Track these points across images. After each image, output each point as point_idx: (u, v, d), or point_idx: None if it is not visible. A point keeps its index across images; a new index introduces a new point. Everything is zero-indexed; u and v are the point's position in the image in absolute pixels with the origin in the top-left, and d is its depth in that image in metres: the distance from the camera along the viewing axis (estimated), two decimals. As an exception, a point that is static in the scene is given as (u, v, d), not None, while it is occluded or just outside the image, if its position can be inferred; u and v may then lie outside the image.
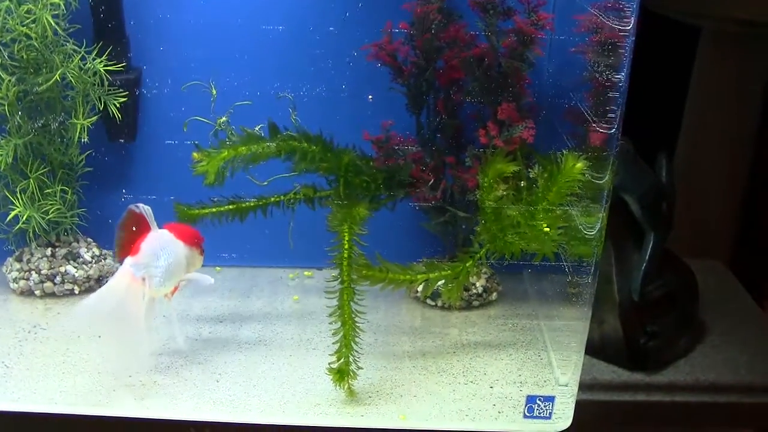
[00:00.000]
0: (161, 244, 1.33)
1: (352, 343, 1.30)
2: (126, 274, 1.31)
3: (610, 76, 1.16)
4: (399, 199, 1.50)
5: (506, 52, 1.43)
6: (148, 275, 1.32)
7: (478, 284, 1.61)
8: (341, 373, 1.30)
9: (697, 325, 1.61)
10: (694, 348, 1.55)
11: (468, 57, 1.45)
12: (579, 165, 1.27)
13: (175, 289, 1.37)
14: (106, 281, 1.62)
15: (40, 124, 1.50)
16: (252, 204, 1.47)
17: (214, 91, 1.45)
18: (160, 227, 1.35)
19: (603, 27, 1.19)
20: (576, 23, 1.32)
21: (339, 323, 1.30)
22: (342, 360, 1.30)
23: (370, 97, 1.49)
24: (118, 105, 1.50)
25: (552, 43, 1.46)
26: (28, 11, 1.39)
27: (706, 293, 1.65)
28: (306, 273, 1.74)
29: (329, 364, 1.30)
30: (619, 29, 1.14)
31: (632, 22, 1.13)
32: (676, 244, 1.59)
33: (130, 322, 1.31)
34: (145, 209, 1.31)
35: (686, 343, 1.54)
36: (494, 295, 1.64)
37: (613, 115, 1.17)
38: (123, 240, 1.32)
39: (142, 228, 1.33)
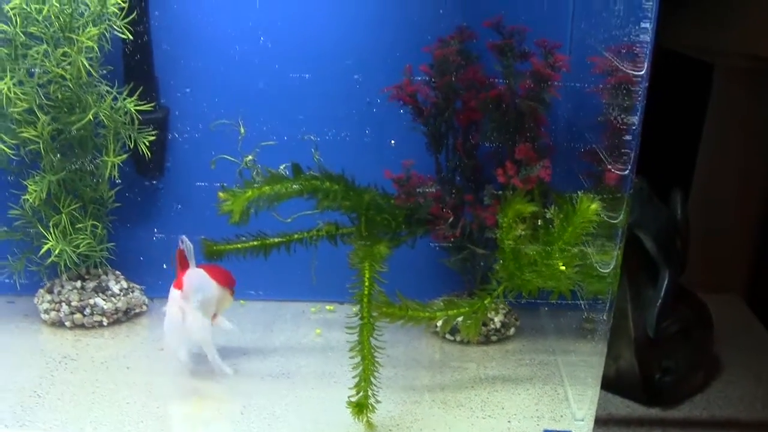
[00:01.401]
0: (199, 281, 1.44)
1: (371, 378, 1.32)
2: (174, 304, 1.42)
3: (624, 119, 1.18)
4: (419, 237, 1.54)
5: (523, 93, 1.47)
6: (188, 308, 1.41)
7: (496, 319, 1.63)
8: (360, 407, 1.32)
9: (713, 359, 1.62)
10: (710, 383, 1.56)
11: (486, 98, 1.49)
12: (594, 206, 1.30)
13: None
14: (134, 314, 1.69)
15: (76, 165, 1.56)
16: (276, 240, 1.51)
17: (243, 130, 1.51)
18: (198, 266, 1.45)
19: (617, 70, 1.21)
20: (591, 65, 1.35)
21: (359, 357, 1.33)
22: (361, 394, 1.33)
23: (392, 142, 1.54)
24: (147, 143, 1.56)
25: (567, 84, 1.49)
26: (65, 54, 1.45)
27: (722, 327, 1.64)
28: (328, 307, 1.77)
29: (349, 397, 1.33)
30: (633, 74, 1.16)
31: (646, 66, 1.15)
32: (691, 279, 1.60)
33: (172, 347, 1.44)
34: (187, 245, 1.41)
35: (702, 378, 1.55)
36: (512, 331, 1.66)
37: (627, 157, 1.19)
38: (177, 271, 1.44)
39: (184, 262, 1.43)
